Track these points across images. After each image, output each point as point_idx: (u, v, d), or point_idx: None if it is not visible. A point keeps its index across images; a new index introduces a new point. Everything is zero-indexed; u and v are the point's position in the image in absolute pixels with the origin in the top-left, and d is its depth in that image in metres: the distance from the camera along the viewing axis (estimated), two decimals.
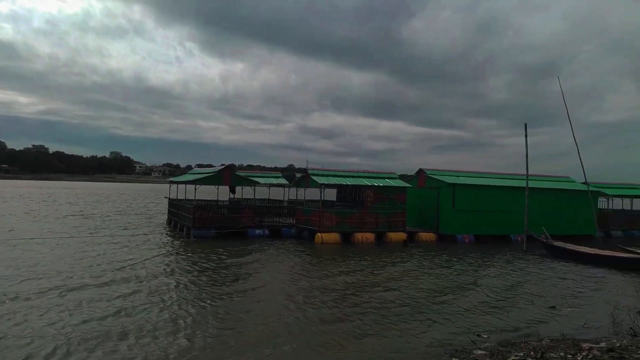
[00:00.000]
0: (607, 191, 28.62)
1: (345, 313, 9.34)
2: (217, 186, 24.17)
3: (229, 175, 22.48)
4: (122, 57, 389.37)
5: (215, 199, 26.42)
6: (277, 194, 31.53)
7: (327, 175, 21.87)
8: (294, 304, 9.88)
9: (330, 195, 26.20)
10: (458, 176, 24.46)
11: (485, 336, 8.12)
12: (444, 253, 18.53)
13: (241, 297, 10.46)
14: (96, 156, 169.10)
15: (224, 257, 15.70)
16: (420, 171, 25.03)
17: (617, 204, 30.78)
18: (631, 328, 8.30)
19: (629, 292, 12.03)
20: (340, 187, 23.66)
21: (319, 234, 19.99)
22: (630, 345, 7.05)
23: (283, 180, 29.97)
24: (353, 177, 22.38)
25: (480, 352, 7.09)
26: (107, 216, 30.28)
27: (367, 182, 22.02)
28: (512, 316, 9.53)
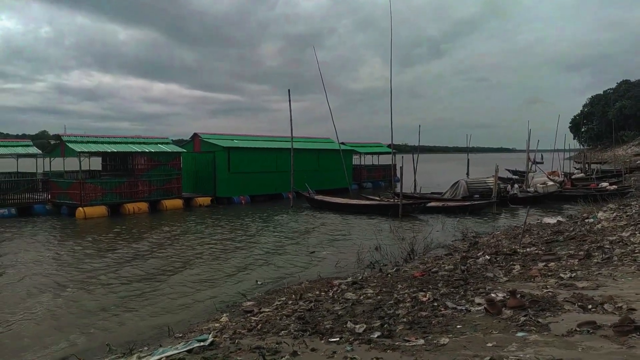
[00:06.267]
0: (359, 149, 33.61)
1: (114, 284, 8.64)
2: None
3: None
4: None
5: None
6: (29, 166, 26.56)
7: (86, 142, 19.37)
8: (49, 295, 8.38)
9: (96, 164, 23.59)
10: (233, 140, 24.89)
11: (260, 282, 9.03)
12: (221, 215, 18.82)
13: None
14: None
15: None
16: (195, 135, 24.59)
17: (368, 160, 36.41)
18: (370, 262, 9.96)
19: (370, 232, 14.36)
20: (105, 155, 21.37)
21: (80, 208, 17.77)
22: (369, 276, 8.45)
23: (35, 150, 25.28)
24: (119, 143, 20.41)
25: (249, 303, 7.48)
26: None
27: (136, 148, 20.39)
28: (284, 263, 10.35)
